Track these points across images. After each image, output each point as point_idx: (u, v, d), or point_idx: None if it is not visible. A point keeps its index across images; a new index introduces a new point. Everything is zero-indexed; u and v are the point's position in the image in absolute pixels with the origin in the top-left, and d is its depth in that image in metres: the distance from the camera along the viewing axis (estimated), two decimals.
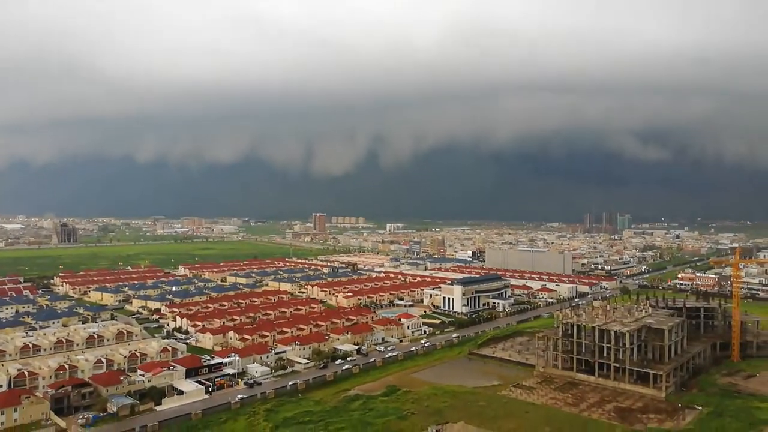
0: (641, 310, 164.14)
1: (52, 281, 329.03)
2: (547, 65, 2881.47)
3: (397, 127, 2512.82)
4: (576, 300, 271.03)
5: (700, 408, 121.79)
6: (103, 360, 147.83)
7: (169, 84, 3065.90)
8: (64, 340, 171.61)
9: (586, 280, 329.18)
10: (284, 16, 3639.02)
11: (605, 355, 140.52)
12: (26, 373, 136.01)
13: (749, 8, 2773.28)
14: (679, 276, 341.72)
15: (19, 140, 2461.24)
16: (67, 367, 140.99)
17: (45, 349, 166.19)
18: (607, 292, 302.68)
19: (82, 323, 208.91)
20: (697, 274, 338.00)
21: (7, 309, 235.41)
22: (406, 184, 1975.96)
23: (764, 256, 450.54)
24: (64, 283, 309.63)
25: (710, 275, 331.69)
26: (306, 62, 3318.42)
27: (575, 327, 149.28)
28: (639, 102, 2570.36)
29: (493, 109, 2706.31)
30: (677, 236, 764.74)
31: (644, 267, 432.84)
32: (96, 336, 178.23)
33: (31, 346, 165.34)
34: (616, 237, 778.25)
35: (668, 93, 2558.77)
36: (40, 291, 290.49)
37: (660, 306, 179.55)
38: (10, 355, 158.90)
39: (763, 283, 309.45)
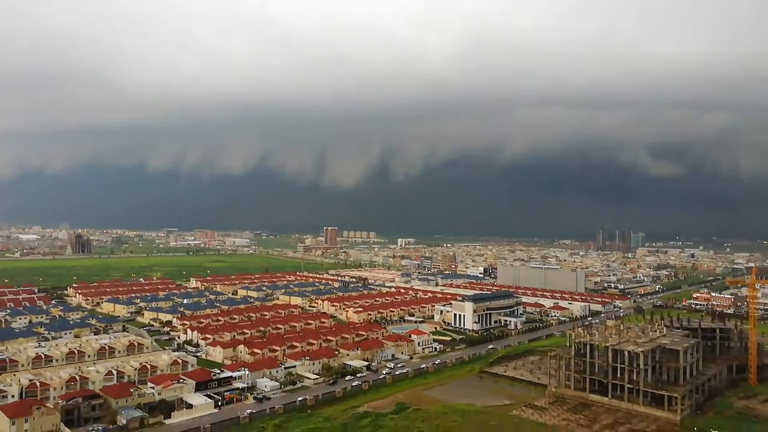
0: (655, 331, 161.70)
1: (65, 292, 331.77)
2: (561, 79, 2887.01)
3: (409, 140, 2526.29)
4: (589, 319, 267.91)
5: None
6: (114, 372, 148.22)
7: (182, 94, 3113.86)
8: (76, 351, 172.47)
9: (599, 299, 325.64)
10: (297, 28, 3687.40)
11: (619, 375, 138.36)
12: (38, 383, 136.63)
13: (765, 22, 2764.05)
14: (695, 296, 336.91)
15: (33, 149, 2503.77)
16: (78, 378, 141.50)
17: (57, 360, 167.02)
18: (621, 311, 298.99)
19: (94, 334, 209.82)
20: (713, 294, 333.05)
21: (21, 319, 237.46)
22: (417, 197, 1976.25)
23: None
24: (78, 294, 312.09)
25: (726, 295, 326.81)
26: (318, 73, 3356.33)
27: (588, 346, 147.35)
28: (653, 116, 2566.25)
29: (506, 123, 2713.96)
30: (692, 255, 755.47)
31: (658, 286, 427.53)
32: (107, 347, 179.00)
33: (43, 356, 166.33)
34: (629, 255, 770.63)
35: (683, 107, 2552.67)
36: (53, 301, 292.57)
37: (675, 326, 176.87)
38: (22, 365, 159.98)
39: None
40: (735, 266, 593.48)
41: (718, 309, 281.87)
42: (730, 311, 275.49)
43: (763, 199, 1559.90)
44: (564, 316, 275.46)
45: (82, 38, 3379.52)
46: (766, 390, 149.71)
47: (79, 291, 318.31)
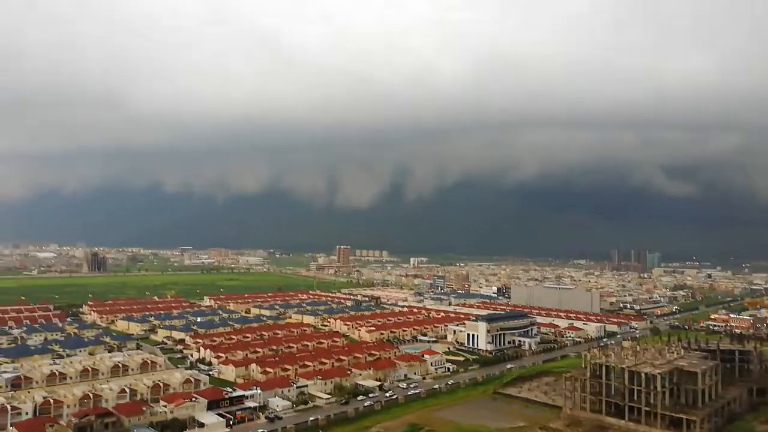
0: (673, 352, 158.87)
1: (81, 309, 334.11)
2: (572, 100, 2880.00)
3: (420, 161, 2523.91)
4: (604, 340, 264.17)
5: None
6: (127, 390, 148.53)
7: (194, 115, 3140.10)
8: (89, 369, 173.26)
9: (615, 320, 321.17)
10: (309, 49, 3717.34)
11: (636, 398, 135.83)
12: (51, 401, 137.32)
13: None
14: (712, 317, 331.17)
15: (49, 169, 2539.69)
16: (91, 395, 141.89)
17: (71, 377, 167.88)
18: (637, 332, 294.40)
19: (108, 352, 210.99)
20: (732, 316, 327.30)
21: (36, 336, 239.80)
22: (429, 217, 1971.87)
23: None
24: (93, 312, 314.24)
25: (745, 317, 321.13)
26: (330, 94, 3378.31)
27: (604, 368, 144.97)
28: (663, 136, 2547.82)
29: (516, 144, 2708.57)
30: (709, 276, 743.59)
31: (675, 307, 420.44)
32: (121, 365, 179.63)
33: (57, 373, 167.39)
34: (645, 275, 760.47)
35: (693, 128, 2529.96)
36: (69, 319, 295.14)
37: (692, 348, 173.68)
38: (36, 382, 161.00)
39: None
40: (754, 287, 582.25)
41: (737, 330, 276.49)
42: (750, 333, 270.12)
43: None
44: (579, 337, 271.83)
45: (94, 60, 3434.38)
46: None
47: (94, 309, 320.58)
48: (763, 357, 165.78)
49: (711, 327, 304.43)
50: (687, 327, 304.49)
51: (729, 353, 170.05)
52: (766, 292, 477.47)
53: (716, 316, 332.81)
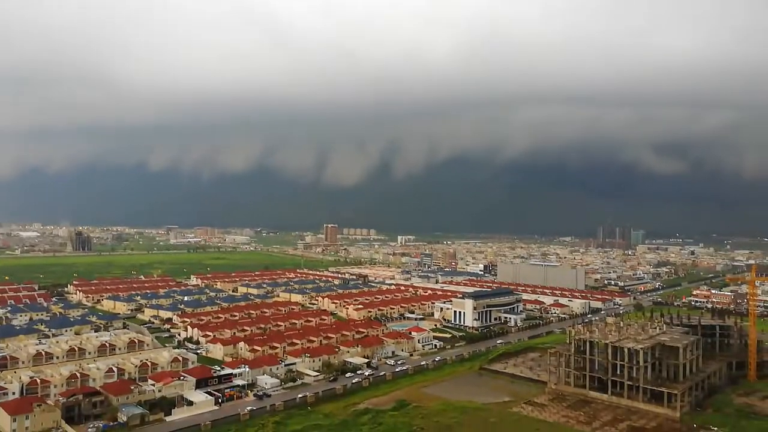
0: (655, 328, 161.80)
1: (66, 289, 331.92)
2: (564, 77, 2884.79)
3: (410, 138, 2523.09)
4: (589, 316, 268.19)
5: (716, 429, 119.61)
6: (115, 369, 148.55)
7: (182, 92, 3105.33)
8: (76, 348, 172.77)
9: (599, 296, 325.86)
10: (299, 24, 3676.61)
11: (619, 372, 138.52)
12: (38, 380, 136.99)
13: (766, 19, 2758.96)
14: (694, 293, 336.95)
15: (33, 147, 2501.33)
16: (78, 375, 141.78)
17: (57, 357, 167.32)
18: (621, 308, 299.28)
19: (95, 331, 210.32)
20: (713, 292, 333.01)
21: (21, 316, 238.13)
22: (418, 195, 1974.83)
23: None
24: (78, 291, 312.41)
25: (726, 292, 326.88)
26: (320, 71, 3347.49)
27: (588, 343, 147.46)
28: (656, 114, 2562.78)
29: (508, 121, 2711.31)
30: (692, 252, 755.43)
31: (658, 283, 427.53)
32: (108, 345, 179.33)
33: (43, 353, 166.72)
34: (629, 252, 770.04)
35: (686, 105, 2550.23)
36: (54, 299, 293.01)
37: (674, 323, 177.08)
38: (23, 362, 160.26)
39: None
40: (735, 263, 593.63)
41: (717, 306, 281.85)
42: (730, 308, 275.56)
43: (764, 197, 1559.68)
44: (564, 314, 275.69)
45: (79, 37, 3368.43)
46: (766, 387, 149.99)
47: (80, 288, 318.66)
48: (743, 332, 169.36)
49: (693, 303, 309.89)
50: (669, 303, 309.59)
51: (710, 328, 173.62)
52: (747, 268, 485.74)
53: (698, 292, 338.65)
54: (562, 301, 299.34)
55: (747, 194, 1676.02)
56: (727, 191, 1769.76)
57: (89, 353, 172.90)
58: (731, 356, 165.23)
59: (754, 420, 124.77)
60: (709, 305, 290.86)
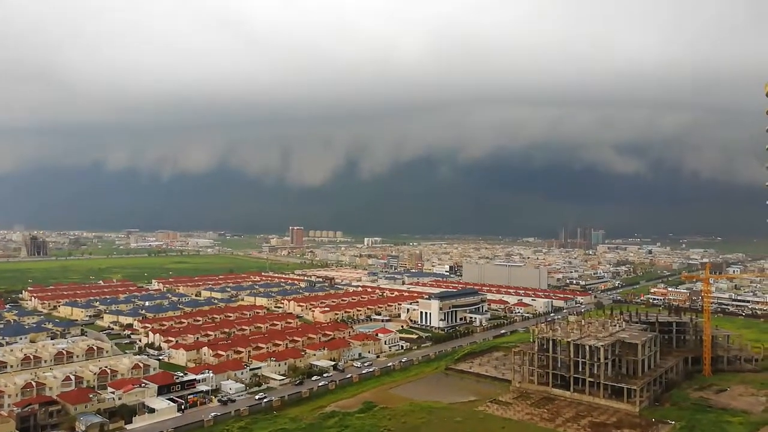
0: (615, 325, 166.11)
1: (20, 295, 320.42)
2: (528, 79, 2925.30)
3: (376, 139, 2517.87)
4: (551, 315, 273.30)
5: (673, 423, 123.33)
6: (72, 377, 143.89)
7: (139, 91, 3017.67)
8: (31, 357, 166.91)
9: (562, 295, 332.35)
10: (263, 21, 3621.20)
11: (580, 369, 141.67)
12: None
13: (721, 22, 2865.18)
14: (652, 291, 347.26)
15: None
16: (34, 384, 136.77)
17: (11, 366, 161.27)
18: (582, 306, 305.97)
19: (51, 339, 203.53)
20: (670, 289, 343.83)
21: None
22: (383, 196, 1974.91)
23: (734, 271, 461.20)
24: (33, 298, 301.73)
25: (682, 290, 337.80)
26: (284, 70, 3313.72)
27: (551, 342, 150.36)
28: (617, 116, 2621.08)
29: (471, 122, 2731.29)
30: (650, 251, 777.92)
31: (618, 282, 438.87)
32: (65, 352, 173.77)
33: None
34: (590, 252, 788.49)
35: (646, 107, 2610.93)
36: (7, 306, 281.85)
37: (633, 320, 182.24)
38: None
39: (733, 298, 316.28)
40: (690, 262, 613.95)
41: (674, 303, 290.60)
42: (686, 305, 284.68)
43: (718, 196, 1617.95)
44: (528, 313, 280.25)
45: (27, 32, 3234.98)
46: (720, 381, 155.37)
47: (35, 294, 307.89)
48: (698, 328, 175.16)
49: (651, 300, 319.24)
50: (628, 301, 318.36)
51: (667, 325, 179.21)
52: (701, 266, 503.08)
53: (656, 289, 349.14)
54: (526, 300, 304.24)
55: (702, 193, 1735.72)
56: (684, 191, 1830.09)
57: (45, 361, 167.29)
58: (687, 352, 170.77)
59: (709, 413, 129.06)
60: (667, 302, 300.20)
